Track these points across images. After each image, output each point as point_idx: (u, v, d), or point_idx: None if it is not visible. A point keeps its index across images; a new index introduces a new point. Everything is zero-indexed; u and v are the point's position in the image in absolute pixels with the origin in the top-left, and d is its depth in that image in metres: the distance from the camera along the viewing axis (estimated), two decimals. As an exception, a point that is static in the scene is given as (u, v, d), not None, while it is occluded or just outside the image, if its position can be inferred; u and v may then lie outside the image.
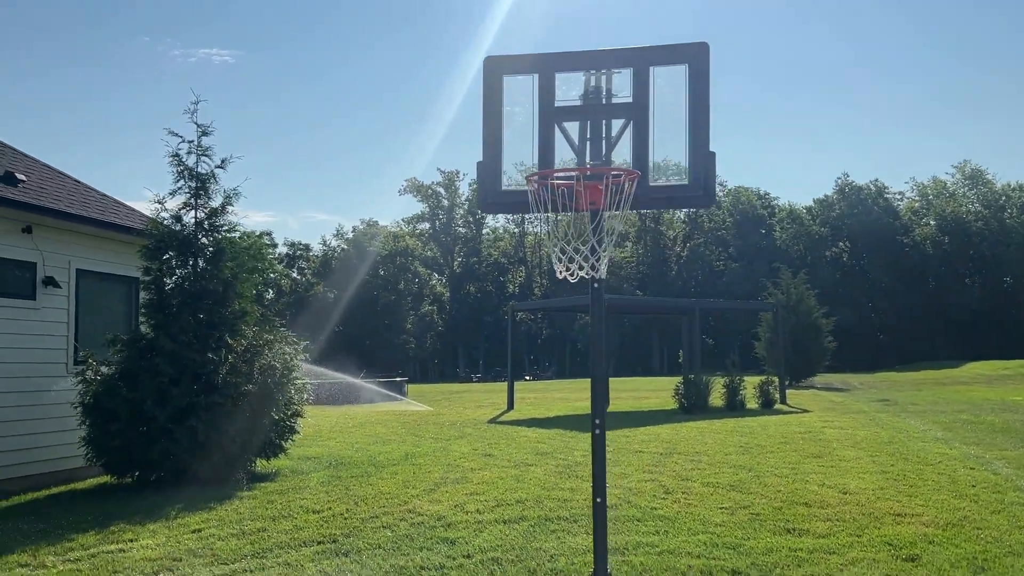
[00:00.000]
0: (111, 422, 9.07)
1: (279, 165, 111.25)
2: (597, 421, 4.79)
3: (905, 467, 9.70)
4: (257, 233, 11.16)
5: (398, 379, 33.76)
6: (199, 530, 7.04)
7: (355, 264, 69.85)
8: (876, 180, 74.88)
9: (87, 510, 7.97)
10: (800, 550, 6.10)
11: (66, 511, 7.97)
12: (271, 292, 77.77)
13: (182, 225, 10.09)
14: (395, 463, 10.73)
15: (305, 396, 10.58)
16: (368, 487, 8.91)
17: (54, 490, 9.38)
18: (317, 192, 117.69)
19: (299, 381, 10.29)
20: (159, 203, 10.11)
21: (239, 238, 10.17)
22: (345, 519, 7.35)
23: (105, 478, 9.76)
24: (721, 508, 7.55)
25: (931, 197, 76.76)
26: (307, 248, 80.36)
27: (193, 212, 10.17)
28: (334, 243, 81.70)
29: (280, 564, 5.99)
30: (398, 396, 28.70)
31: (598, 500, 4.74)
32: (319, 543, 6.54)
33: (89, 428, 9.24)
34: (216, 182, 10.23)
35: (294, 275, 76.50)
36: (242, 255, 10.07)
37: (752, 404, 20.38)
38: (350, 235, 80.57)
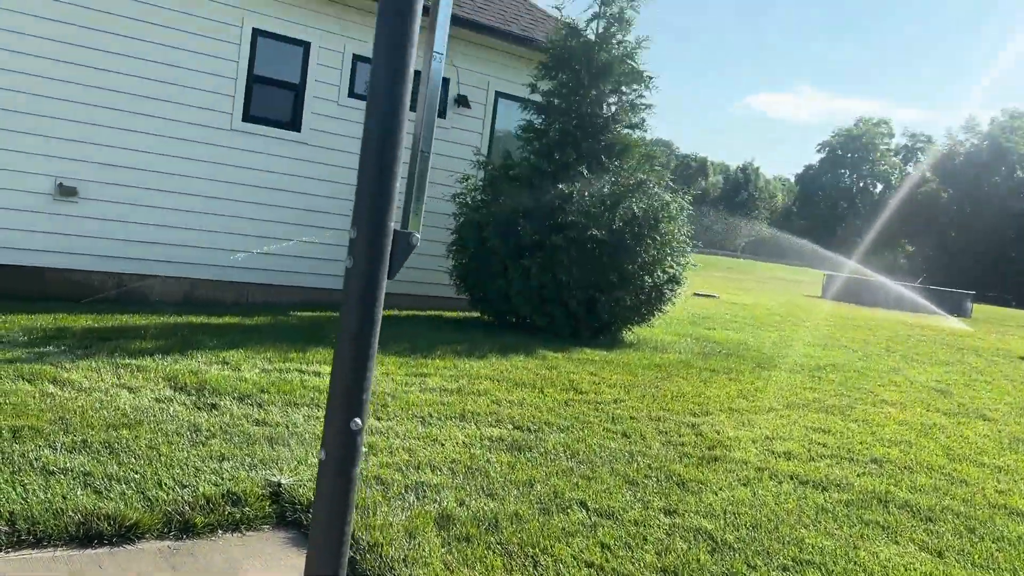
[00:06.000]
0: (463, 250, 8.41)
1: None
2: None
3: None
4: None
5: (959, 291, 27.56)
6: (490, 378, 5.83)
7: (987, 163, 59.52)
8: None
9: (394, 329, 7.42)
10: None
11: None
12: (878, 185, 75.01)
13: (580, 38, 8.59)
14: (794, 369, 7.95)
15: (685, 261, 8.44)
16: (705, 384, 6.59)
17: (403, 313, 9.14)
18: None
19: (672, 234, 8.21)
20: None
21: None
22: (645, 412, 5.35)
23: (473, 314, 9.22)
24: None
25: None
26: (928, 140, 74.89)
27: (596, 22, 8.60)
28: (962, 136, 66.86)
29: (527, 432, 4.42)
30: (942, 313, 23.36)
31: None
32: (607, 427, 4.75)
33: (449, 254, 8.71)
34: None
35: (908, 169, 73.47)
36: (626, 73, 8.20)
37: None
38: (984, 128, 65.28)
